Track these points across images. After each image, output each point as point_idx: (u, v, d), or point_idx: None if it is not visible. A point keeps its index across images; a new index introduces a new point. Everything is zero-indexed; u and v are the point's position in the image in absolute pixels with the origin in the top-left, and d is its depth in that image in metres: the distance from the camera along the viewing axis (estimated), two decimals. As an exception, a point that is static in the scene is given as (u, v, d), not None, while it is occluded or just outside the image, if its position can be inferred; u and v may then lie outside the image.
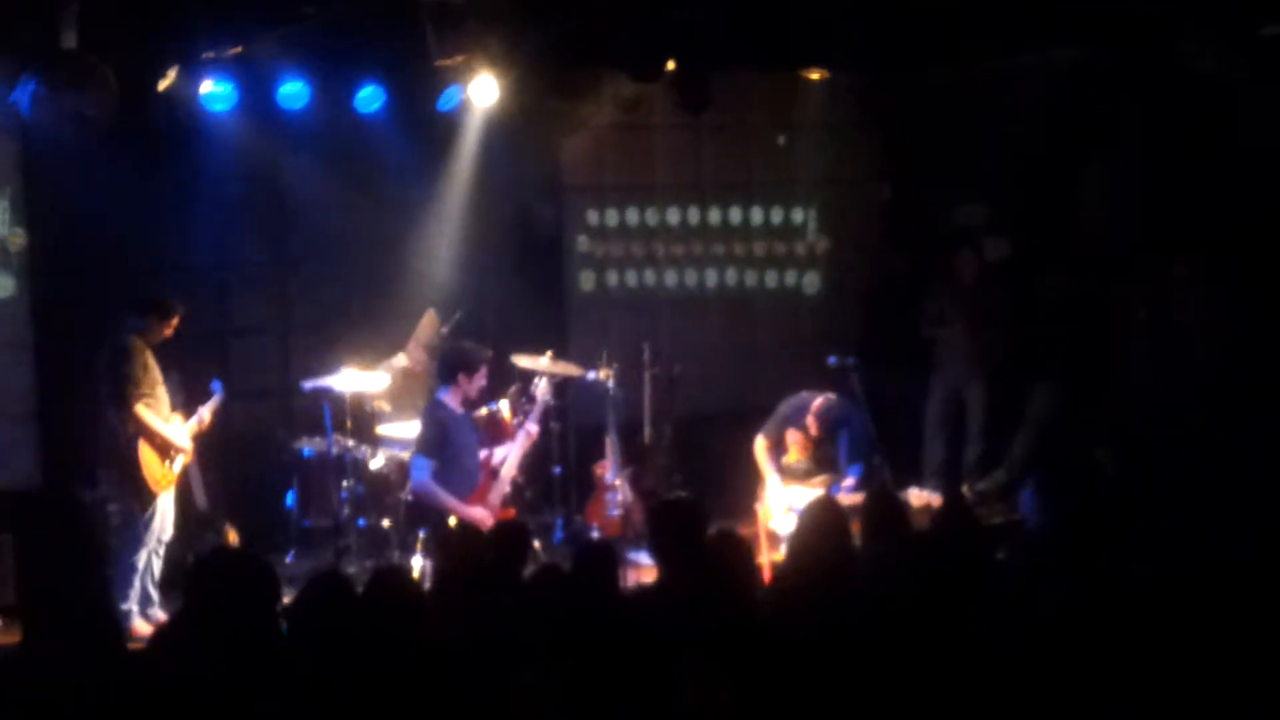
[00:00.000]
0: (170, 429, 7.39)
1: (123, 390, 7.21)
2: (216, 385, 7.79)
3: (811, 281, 10.79)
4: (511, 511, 7.72)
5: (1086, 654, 4.41)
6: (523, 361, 8.60)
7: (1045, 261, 10.04)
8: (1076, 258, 9.88)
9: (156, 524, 7.35)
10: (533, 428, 7.99)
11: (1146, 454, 8.28)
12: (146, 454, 7.26)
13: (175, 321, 7.44)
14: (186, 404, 7.64)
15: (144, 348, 7.32)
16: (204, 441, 7.72)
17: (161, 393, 7.41)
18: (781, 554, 7.55)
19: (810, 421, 7.86)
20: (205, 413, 7.66)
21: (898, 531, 5.43)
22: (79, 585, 7.32)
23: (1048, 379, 9.51)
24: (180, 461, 7.46)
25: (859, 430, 7.89)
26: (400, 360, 8.83)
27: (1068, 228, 9.97)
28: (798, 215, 10.75)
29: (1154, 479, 7.68)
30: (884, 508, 5.61)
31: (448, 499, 7.40)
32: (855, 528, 5.38)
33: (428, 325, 8.91)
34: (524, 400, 8.46)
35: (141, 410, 7.23)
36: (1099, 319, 9.58)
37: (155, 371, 7.38)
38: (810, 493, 7.74)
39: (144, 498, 7.28)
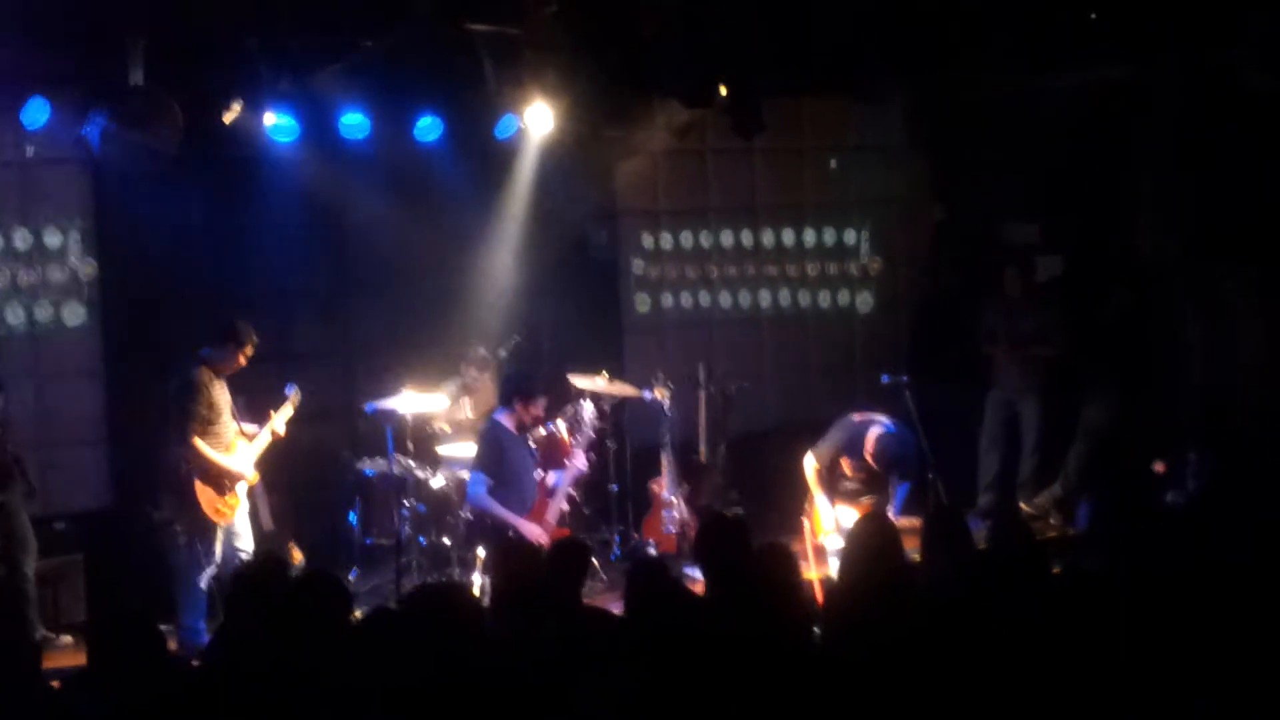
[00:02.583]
0: (230, 460, 7.45)
1: (182, 424, 7.32)
2: (290, 387, 7.87)
3: (864, 301, 10.85)
4: (566, 531, 7.83)
5: (1144, 669, 4.41)
6: (579, 382, 8.73)
7: (1099, 278, 10.04)
8: (1130, 273, 9.88)
9: (217, 551, 7.42)
10: (581, 463, 8.12)
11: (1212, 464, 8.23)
12: (202, 488, 7.35)
13: (249, 350, 7.53)
14: (254, 418, 7.77)
15: (211, 379, 7.40)
16: (270, 463, 7.82)
17: (227, 421, 7.51)
18: (829, 570, 7.64)
19: (869, 459, 7.87)
20: (280, 422, 7.75)
21: (957, 547, 5.43)
22: (145, 604, 7.55)
23: (1103, 392, 9.50)
24: (243, 488, 7.56)
25: (910, 459, 7.93)
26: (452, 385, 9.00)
27: (1120, 244, 9.97)
28: (850, 236, 10.81)
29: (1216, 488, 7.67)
30: (945, 523, 5.63)
31: (503, 513, 7.53)
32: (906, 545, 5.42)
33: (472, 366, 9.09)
34: (578, 422, 8.58)
35: (199, 444, 7.32)
36: (1155, 332, 9.57)
37: (222, 401, 7.48)
38: (858, 514, 7.79)
39: (202, 526, 7.38)
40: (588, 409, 8.35)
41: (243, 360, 7.54)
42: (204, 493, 7.36)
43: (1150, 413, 9.26)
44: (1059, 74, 9.49)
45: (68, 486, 8.34)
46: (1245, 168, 8.89)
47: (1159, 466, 8.19)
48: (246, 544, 7.54)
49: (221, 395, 7.50)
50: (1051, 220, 10.52)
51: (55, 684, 4.69)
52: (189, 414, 7.31)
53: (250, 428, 7.70)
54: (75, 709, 4.16)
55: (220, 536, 7.45)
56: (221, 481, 7.44)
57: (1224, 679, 4.35)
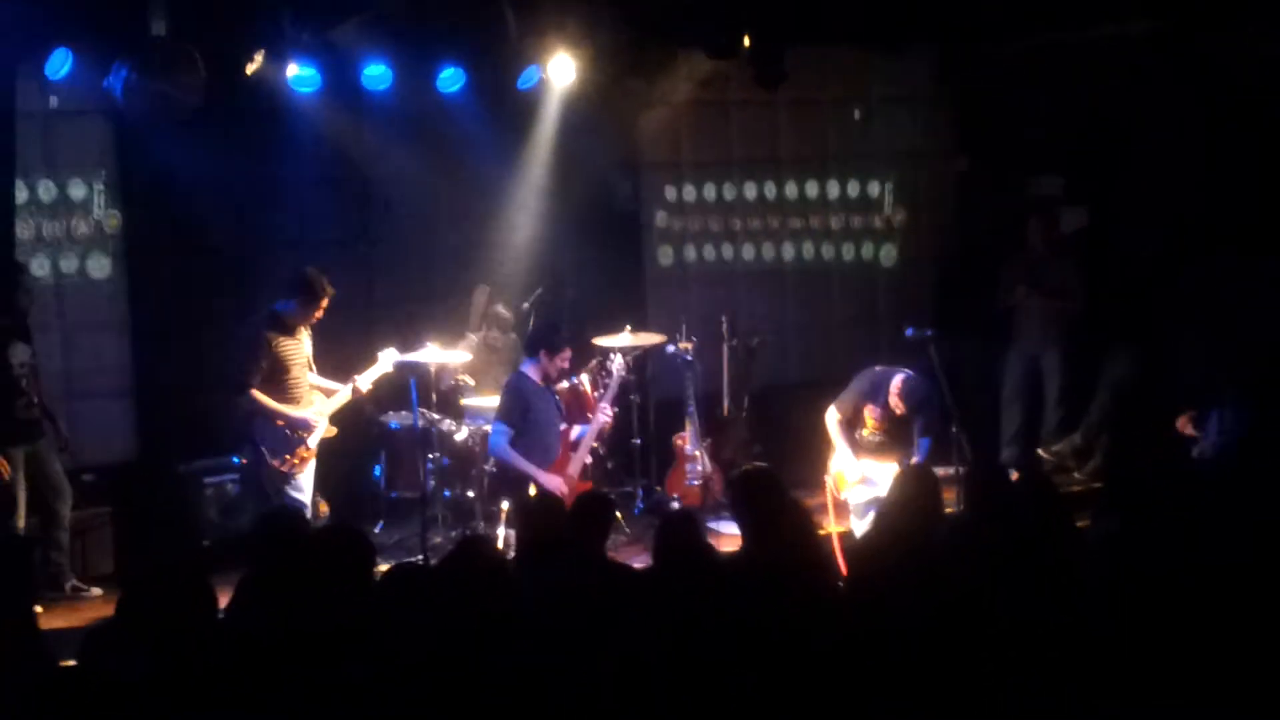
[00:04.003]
0: (295, 411, 7.43)
1: (237, 376, 7.31)
2: (388, 354, 7.81)
3: (888, 254, 10.80)
4: (588, 485, 7.85)
5: (1171, 625, 4.42)
6: (602, 342, 8.73)
7: (1124, 231, 9.98)
8: (1156, 227, 9.82)
9: (305, 498, 7.46)
10: (606, 414, 8.14)
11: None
12: (265, 439, 7.36)
13: (325, 301, 7.48)
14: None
15: (279, 335, 7.36)
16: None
17: (298, 375, 7.47)
18: (850, 526, 7.66)
19: (895, 401, 7.84)
20: (364, 381, 7.71)
21: (1000, 501, 5.43)
22: (173, 554, 7.62)
23: (1126, 344, 9.47)
24: (315, 438, 7.52)
25: (936, 407, 7.91)
26: (470, 341, 9.02)
27: (1146, 197, 9.90)
28: (874, 188, 10.75)
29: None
30: (989, 477, 5.64)
31: (524, 464, 7.56)
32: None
33: (480, 300, 9.09)
34: (603, 375, 8.59)
35: (257, 394, 7.30)
36: (1178, 285, 9.51)
37: (295, 355, 7.44)
38: (882, 466, 7.79)
39: (275, 477, 7.41)
40: (618, 362, 8.35)
41: (319, 312, 7.49)
42: (266, 444, 7.37)
43: (1175, 366, 9.22)
44: (1085, 26, 9.39)
45: (95, 438, 8.38)
46: (1273, 120, 8.81)
47: (1183, 422, 8.17)
48: (306, 496, 7.54)
49: (295, 349, 7.45)
50: (1076, 173, 10.44)
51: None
52: (245, 368, 7.30)
53: (332, 383, 7.68)
54: (100, 659, 4.19)
55: (298, 486, 7.48)
56: (286, 433, 7.44)
57: (1250, 633, 4.36)
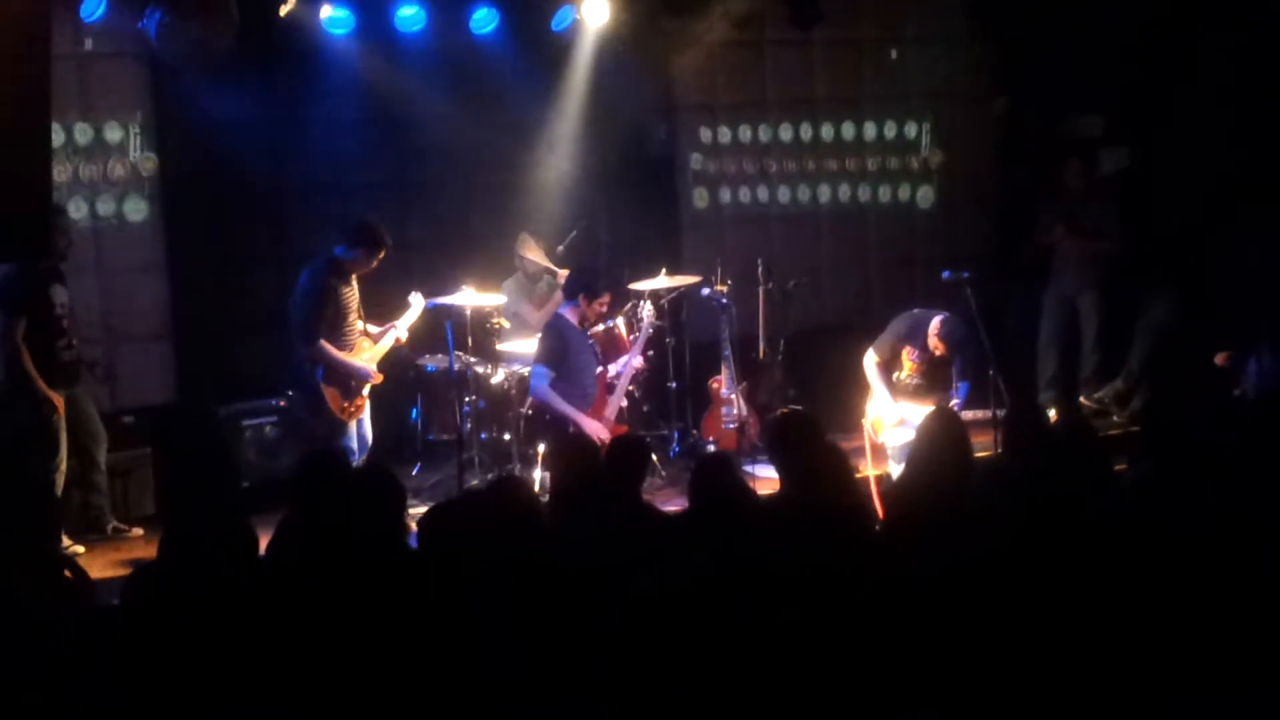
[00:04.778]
0: (355, 362, 7.49)
1: (307, 327, 7.32)
2: (416, 298, 7.88)
3: (925, 196, 10.71)
4: (623, 428, 7.86)
5: (1212, 566, 4.39)
6: (638, 286, 8.70)
7: (1165, 173, 9.87)
8: (1197, 167, 9.70)
9: (352, 445, 7.51)
10: (637, 361, 8.14)
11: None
12: (328, 389, 7.39)
13: (383, 253, 7.50)
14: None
15: (338, 284, 7.37)
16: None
17: (353, 323, 7.51)
18: (888, 469, 7.64)
19: (934, 342, 7.81)
20: (404, 329, 7.78)
21: (1039, 444, 5.40)
22: (213, 495, 7.70)
23: (1167, 288, 9.38)
24: (366, 389, 7.58)
25: (973, 350, 7.88)
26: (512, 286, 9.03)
27: (1187, 137, 9.77)
28: (911, 129, 10.63)
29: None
30: (1027, 419, 5.61)
31: (565, 407, 7.56)
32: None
33: (527, 249, 9.08)
34: (636, 320, 8.58)
35: (325, 346, 7.32)
36: (1221, 227, 9.41)
37: (351, 303, 7.47)
38: (919, 409, 7.76)
39: (333, 424, 7.45)
40: (646, 309, 8.33)
41: (374, 263, 7.51)
42: (331, 393, 7.41)
43: (1215, 309, 9.14)
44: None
45: (135, 381, 8.46)
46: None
47: (1222, 357, 8.10)
48: (355, 443, 7.59)
49: (351, 297, 7.49)
50: (1117, 112, 10.31)
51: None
52: (315, 317, 7.32)
53: (373, 328, 7.71)
54: (143, 600, 4.23)
55: (354, 433, 7.54)
56: (349, 383, 7.49)
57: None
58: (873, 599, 4.20)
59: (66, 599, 4.07)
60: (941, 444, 5.22)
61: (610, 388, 7.97)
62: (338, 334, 7.42)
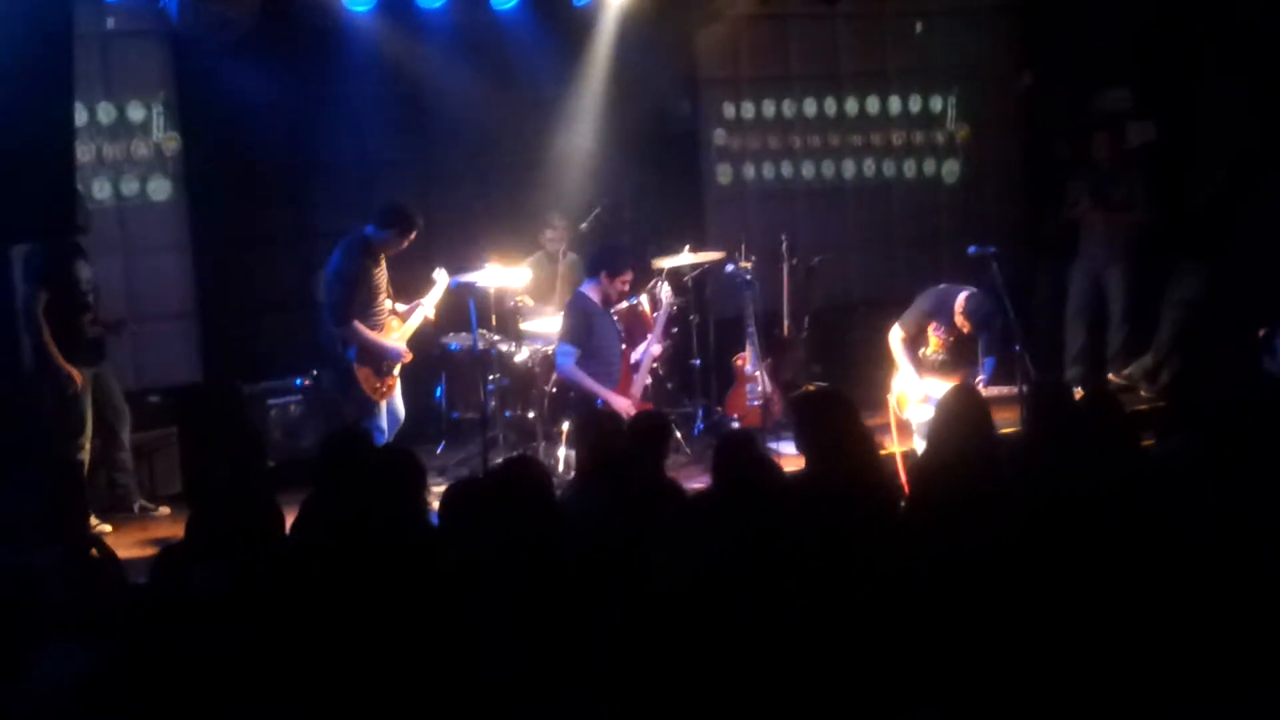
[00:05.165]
0: (386, 343, 7.49)
1: (340, 307, 7.32)
2: (441, 274, 7.88)
3: (951, 170, 10.63)
4: (648, 405, 7.84)
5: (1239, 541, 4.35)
6: (662, 263, 8.67)
7: (1194, 145, 9.78)
8: (1226, 141, 9.61)
9: (383, 423, 7.54)
10: (656, 348, 8.12)
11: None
12: (360, 368, 7.40)
13: (414, 235, 7.49)
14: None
15: (370, 264, 7.38)
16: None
17: (383, 302, 7.52)
18: (913, 445, 7.60)
19: (960, 319, 7.77)
20: (430, 307, 7.78)
21: (1063, 420, 5.36)
22: (238, 474, 7.72)
23: (1196, 262, 9.29)
24: (397, 369, 7.60)
25: (999, 326, 7.83)
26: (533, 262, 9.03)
27: (1215, 110, 9.67)
28: (936, 103, 10.56)
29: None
30: (1051, 395, 5.56)
31: (592, 384, 7.55)
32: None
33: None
34: (657, 298, 8.54)
35: (358, 327, 7.33)
36: (1253, 201, 9.32)
37: (381, 282, 7.49)
38: (945, 385, 7.71)
39: (364, 404, 7.46)
40: (665, 290, 8.30)
41: (405, 245, 7.51)
42: (363, 373, 7.42)
43: (1245, 284, 9.06)
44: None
45: (159, 360, 8.48)
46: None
47: (1263, 333, 8.02)
48: (385, 421, 7.60)
49: (381, 277, 7.49)
50: (1145, 85, 10.22)
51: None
52: (347, 298, 7.33)
53: (400, 306, 7.72)
54: (172, 578, 4.24)
55: (384, 412, 7.55)
56: (380, 363, 7.50)
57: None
58: (893, 583, 4.18)
59: (96, 578, 4.08)
60: (962, 421, 5.18)
61: (635, 366, 7.96)
62: (369, 314, 7.42)
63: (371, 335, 7.40)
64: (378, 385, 7.48)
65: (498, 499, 4.48)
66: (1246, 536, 4.35)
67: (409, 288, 7.86)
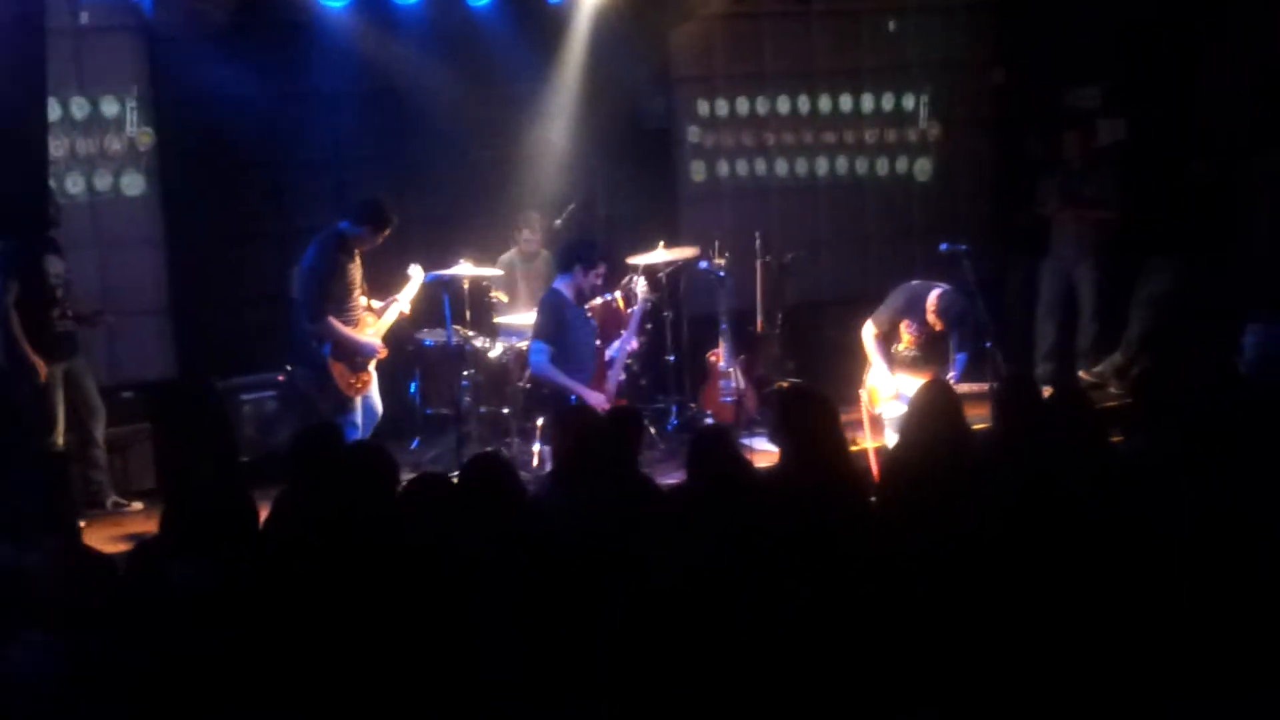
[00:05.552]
0: (360, 338, 7.48)
1: (315, 303, 7.31)
2: (416, 270, 7.89)
3: (923, 168, 10.69)
4: (622, 402, 7.87)
5: (1204, 539, 4.39)
6: (635, 259, 8.69)
7: (1164, 144, 9.85)
8: (1196, 140, 9.69)
9: (358, 419, 7.53)
10: (632, 343, 8.15)
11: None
12: (335, 364, 7.39)
13: (387, 232, 7.49)
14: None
15: (346, 260, 7.38)
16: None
17: (358, 298, 7.52)
18: (885, 440, 7.65)
19: (932, 318, 7.82)
20: (405, 303, 7.78)
21: (1030, 415, 5.40)
22: (212, 469, 7.70)
23: (1166, 260, 9.37)
24: (373, 365, 7.60)
25: (971, 323, 7.89)
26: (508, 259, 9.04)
27: (1186, 109, 9.76)
28: (909, 101, 10.61)
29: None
30: (1018, 390, 5.60)
31: (567, 381, 7.57)
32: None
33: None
34: (632, 293, 8.57)
35: (333, 323, 7.32)
36: (1220, 198, 9.40)
37: (356, 278, 7.48)
38: (917, 381, 7.76)
39: (339, 400, 7.45)
40: (640, 285, 8.32)
41: (379, 240, 7.51)
42: (338, 368, 7.41)
43: (1213, 283, 9.15)
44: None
45: (133, 356, 8.47)
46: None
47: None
48: (359, 418, 7.60)
49: (355, 272, 7.48)
50: (1114, 83, 10.30)
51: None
52: (321, 294, 7.31)
53: (375, 303, 7.73)
54: (147, 573, 4.24)
55: (360, 408, 7.55)
56: (354, 358, 7.49)
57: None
58: (868, 577, 4.21)
59: (88, 574, 4.09)
60: (933, 416, 5.21)
61: (610, 363, 7.98)
62: (343, 310, 7.42)
63: (346, 331, 7.40)
64: (352, 381, 7.47)
65: (463, 493, 4.50)
66: (1216, 534, 4.39)
67: (383, 284, 7.86)
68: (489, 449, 7.67)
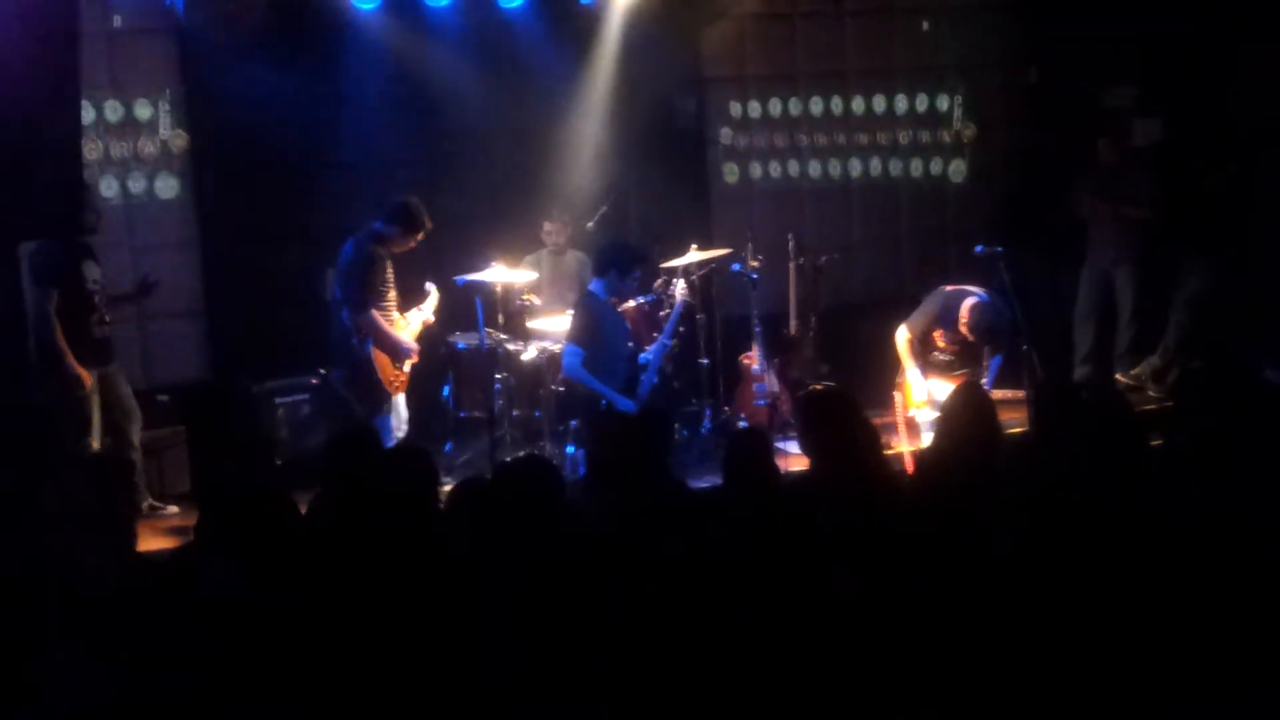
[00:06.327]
0: (399, 337, 7.53)
1: (358, 295, 7.35)
2: (432, 288, 7.93)
3: (957, 169, 10.63)
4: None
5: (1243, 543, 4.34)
6: (669, 263, 8.65)
7: (1199, 144, 9.76)
8: (1231, 140, 9.60)
9: (393, 422, 7.57)
10: (668, 342, 8.12)
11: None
12: (380, 357, 7.44)
13: (421, 235, 7.54)
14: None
15: (384, 255, 7.43)
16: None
17: (393, 298, 7.56)
18: (921, 444, 7.60)
19: (964, 331, 7.78)
20: (429, 313, 7.84)
21: (1070, 420, 5.35)
22: (248, 472, 7.71)
23: (1203, 263, 9.27)
24: (409, 364, 7.64)
25: (1005, 333, 7.82)
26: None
27: (1220, 108, 9.66)
28: (942, 101, 10.56)
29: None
30: (1059, 395, 5.55)
31: (598, 386, 7.55)
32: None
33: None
34: (668, 296, 8.54)
35: (376, 316, 7.37)
36: (1258, 202, 9.30)
37: (392, 276, 7.51)
38: (950, 386, 7.71)
39: (379, 398, 7.48)
40: (679, 286, 8.29)
41: (412, 244, 7.54)
42: (382, 360, 7.45)
43: (1251, 285, 9.05)
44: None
45: (168, 359, 8.51)
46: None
47: None
48: (396, 419, 7.64)
49: (391, 272, 7.53)
50: (1150, 83, 10.21)
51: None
52: (366, 285, 7.35)
53: (401, 321, 7.74)
54: (193, 572, 4.24)
55: (395, 406, 7.60)
56: (397, 352, 7.54)
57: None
58: (897, 581, 4.18)
59: (138, 575, 4.10)
60: (966, 420, 5.17)
61: (643, 366, 7.95)
62: (381, 305, 7.46)
63: (387, 327, 7.43)
64: (394, 375, 7.49)
65: (506, 499, 4.48)
66: (1244, 538, 4.34)
67: (409, 289, 7.86)
68: (530, 452, 7.65)
